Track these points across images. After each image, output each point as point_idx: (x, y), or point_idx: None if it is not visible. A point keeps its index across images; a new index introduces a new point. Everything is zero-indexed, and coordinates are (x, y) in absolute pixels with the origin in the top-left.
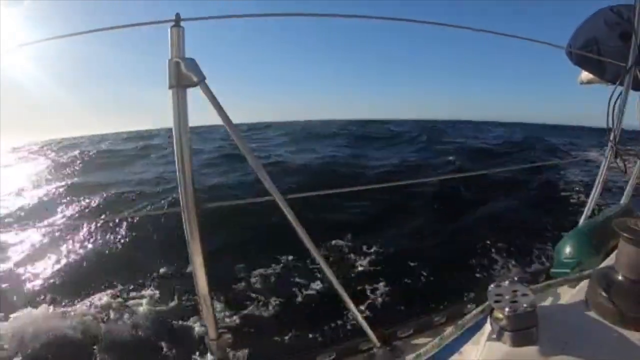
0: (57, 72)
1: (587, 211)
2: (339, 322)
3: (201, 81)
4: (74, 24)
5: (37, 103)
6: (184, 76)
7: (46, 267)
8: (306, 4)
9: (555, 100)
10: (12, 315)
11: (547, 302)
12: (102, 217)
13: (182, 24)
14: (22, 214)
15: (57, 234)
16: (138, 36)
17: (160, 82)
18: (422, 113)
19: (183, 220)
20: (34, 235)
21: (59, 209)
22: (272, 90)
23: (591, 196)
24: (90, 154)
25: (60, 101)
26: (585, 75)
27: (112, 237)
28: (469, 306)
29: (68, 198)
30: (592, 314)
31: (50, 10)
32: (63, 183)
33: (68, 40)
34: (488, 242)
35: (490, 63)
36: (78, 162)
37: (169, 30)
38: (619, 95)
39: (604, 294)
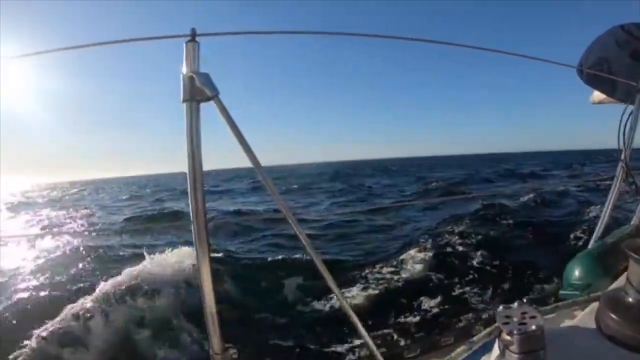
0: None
1: (597, 232)
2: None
3: (215, 96)
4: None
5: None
6: (198, 90)
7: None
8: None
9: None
10: None
11: (556, 324)
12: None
13: (197, 38)
14: None
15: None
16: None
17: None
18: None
19: (192, 233)
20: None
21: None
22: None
23: (601, 217)
24: None
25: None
26: (597, 94)
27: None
28: (476, 328)
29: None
30: (601, 336)
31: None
32: None
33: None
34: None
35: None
36: None
37: (184, 44)
38: (630, 115)
39: (613, 316)
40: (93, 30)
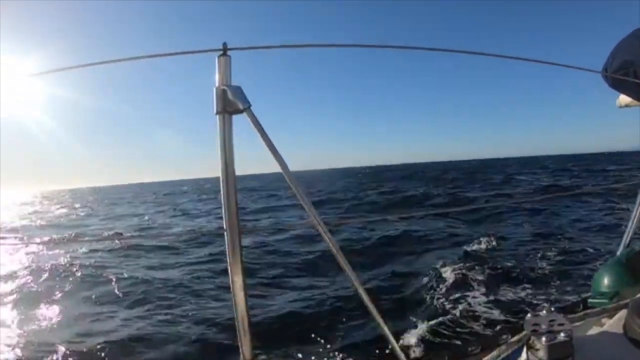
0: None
1: (625, 240)
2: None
3: (247, 108)
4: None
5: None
6: (230, 103)
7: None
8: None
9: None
10: None
11: (585, 332)
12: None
13: (229, 52)
14: None
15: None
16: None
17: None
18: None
19: (225, 242)
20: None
21: None
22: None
23: (629, 224)
24: None
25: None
26: (623, 98)
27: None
28: (504, 336)
29: None
30: (629, 343)
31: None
32: None
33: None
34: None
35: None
36: None
37: (216, 58)
38: None
39: None
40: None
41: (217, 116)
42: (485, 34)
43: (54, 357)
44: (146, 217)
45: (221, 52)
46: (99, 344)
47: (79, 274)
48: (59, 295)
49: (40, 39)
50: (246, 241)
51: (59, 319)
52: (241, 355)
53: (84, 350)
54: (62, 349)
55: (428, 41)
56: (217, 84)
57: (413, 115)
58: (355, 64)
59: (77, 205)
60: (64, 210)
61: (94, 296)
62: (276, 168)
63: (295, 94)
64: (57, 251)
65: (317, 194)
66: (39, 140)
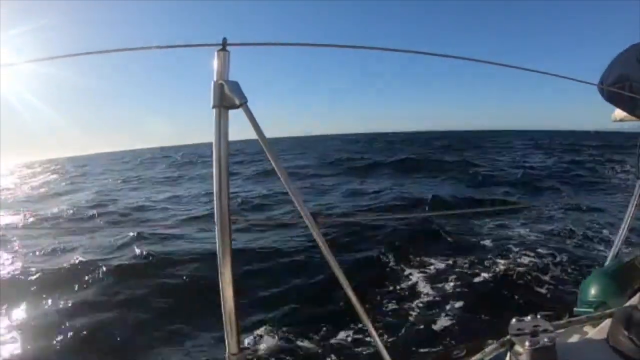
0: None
1: (613, 250)
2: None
3: (243, 103)
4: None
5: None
6: (227, 98)
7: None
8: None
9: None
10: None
11: (568, 339)
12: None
13: (228, 48)
14: None
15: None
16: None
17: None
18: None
19: (216, 235)
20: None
21: None
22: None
23: (618, 235)
24: None
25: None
26: (618, 112)
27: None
28: (488, 341)
29: None
30: (612, 352)
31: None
32: None
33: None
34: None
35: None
36: None
37: (215, 53)
38: None
39: (626, 332)
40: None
41: (214, 110)
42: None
43: None
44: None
45: (220, 47)
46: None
47: None
48: None
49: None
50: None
51: None
52: (227, 349)
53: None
54: None
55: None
56: (215, 79)
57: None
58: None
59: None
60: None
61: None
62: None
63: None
64: None
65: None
66: (21, 115)
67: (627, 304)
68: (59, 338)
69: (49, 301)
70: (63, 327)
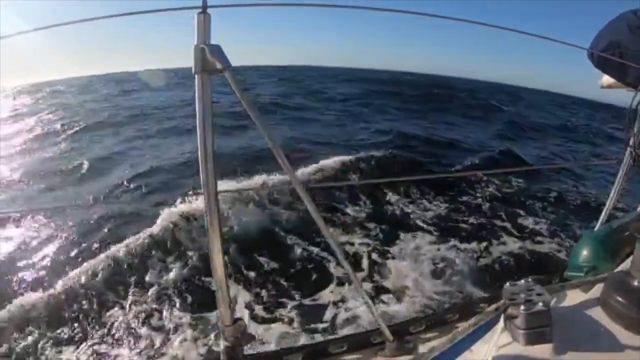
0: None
1: (603, 216)
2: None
3: (226, 68)
4: None
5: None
6: (209, 62)
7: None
8: None
9: None
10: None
11: (562, 303)
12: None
13: (209, 10)
14: None
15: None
16: None
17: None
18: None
19: (204, 205)
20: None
21: None
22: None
23: (608, 201)
24: None
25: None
26: (606, 79)
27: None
28: (482, 305)
29: None
30: (605, 317)
31: None
32: None
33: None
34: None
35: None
36: None
37: (195, 16)
38: (639, 101)
39: (618, 297)
40: None
41: (196, 76)
42: None
43: None
44: None
45: (200, 10)
46: None
47: None
48: None
49: None
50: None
51: None
52: (220, 321)
53: None
54: None
55: None
56: (195, 43)
57: None
58: None
59: None
60: None
61: None
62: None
63: None
64: None
65: None
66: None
67: (619, 269)
68: None
69: None
70: None
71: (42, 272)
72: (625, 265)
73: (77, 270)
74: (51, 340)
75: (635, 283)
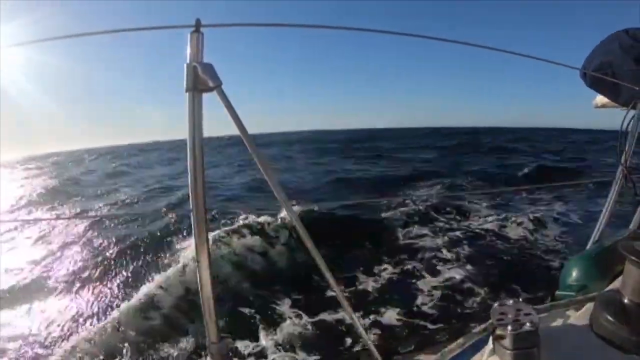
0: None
1: (595, 235)
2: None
3: (217, 86)
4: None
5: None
6: (201, 80)
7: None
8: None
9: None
10: None
11: (551, 323)
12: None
13: (202, 29)
14: None
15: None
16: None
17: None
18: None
19: (192, 222)
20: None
21: None
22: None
23: (599, 220)
24: None
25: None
26: (600, 98)
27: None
28: (471, 325)
29: None
30: (595, 336)
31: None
32: None
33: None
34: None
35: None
36: None
37: (188, 35)
38: (631, 119)
39: (608, 317)
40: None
41: (187, 94)
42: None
43: None
44: None
45: (194, 29)
46: None
47: None
48: None
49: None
50: None
51: None
52: (207, 338)
53: None
54: None
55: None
56: (188, 61)
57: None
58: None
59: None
60: None
61: None
62: None
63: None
64: None
65: None
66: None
67: (609, 288)
68: None
69: None
70: None
71: None
72: (615, 284)
73: None
74: None
75: (625, 302)
